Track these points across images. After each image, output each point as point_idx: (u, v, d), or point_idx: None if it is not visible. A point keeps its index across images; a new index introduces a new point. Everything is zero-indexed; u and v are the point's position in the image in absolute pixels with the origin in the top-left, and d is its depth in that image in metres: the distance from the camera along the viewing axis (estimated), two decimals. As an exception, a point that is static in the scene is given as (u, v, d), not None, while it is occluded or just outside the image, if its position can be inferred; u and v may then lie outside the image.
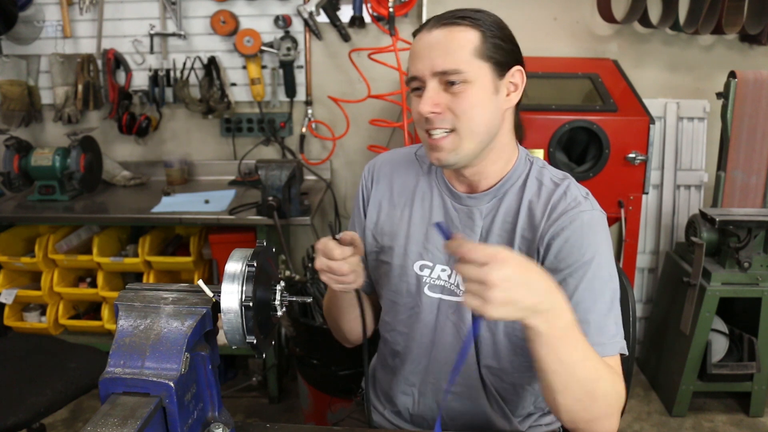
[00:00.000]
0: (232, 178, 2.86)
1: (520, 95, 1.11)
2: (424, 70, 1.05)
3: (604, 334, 1.03)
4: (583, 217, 1.06)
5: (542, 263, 1.07)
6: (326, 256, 1.08)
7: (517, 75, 1.09)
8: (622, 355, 1.05)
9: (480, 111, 1.05)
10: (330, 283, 1.11)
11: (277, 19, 2.71)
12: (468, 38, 1.04)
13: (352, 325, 1.27)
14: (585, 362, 0.93)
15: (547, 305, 0.87)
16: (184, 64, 2.77)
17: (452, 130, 1.06)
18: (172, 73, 2.79)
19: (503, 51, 1.06)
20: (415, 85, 1.08)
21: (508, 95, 1.09)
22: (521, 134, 1.18)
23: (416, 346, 1.21)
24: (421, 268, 1.19)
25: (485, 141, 1.08)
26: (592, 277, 1.03)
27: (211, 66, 2.74)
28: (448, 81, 1.04)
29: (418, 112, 1.07)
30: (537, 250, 1.08)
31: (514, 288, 0.83)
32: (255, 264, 0.89)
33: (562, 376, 0.92)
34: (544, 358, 0.91)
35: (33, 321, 2.65)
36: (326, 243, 1.09)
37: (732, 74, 2.35)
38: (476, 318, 0.89)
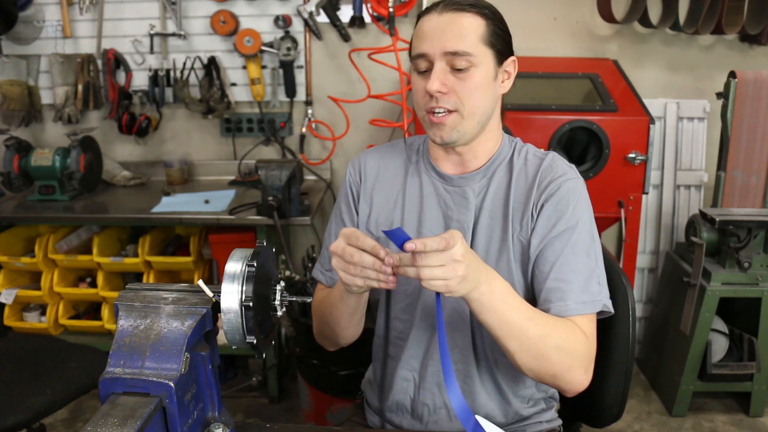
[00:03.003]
0: (232, 178, 2.86)
1: (512, 82, 1.19)
2: (434, 50, 1.10)
3: (587, 293, 1.11)
4: (569, 185, 1.15)
5: (533, 228, 1.15)
6: (361, 247, 0.99)
7: (511, 65, 1.18)
8: (605, 312, 1.14)
9: (482, 94, 1.12)
10: (373, 283, 1.01)
11: (277, 19, 2.71)
12: (476, 24, 1.11)
13: (350, 325, 1.24)
14: (530, 321, 1.04)
15: (484, 274, 1.00)
16: (184, 64, 2.77)
17: (454, 110, 1.12)
18: (172, 73, 2.79)
19: (503, 40, 1.14)
20: (422, 65, 1.13)
21: (502, 82, 1.18)
22: (503, 113, 1.26)
23: (416, 331, 1.23)
24: None
25: (483, 122, 1.16)
26: (576, 241, 1.12)
27: (211, 66, 2.74)
28: (455, 65, 1.10)
29: (425, 90, 1.11)
30: (531, 216, 1.16)
31: (469, 261, 0.95)
32: (255, 264, 0.89)
33: (513, 338, 1.03)
34: (494, 325, 1.02)
35: (33, 321, 2.65)
36: (355, 232, 1.00)
37: (732, 74, 2.35)
38: (438, 298, 1.00)
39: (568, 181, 1.15)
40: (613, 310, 1.15)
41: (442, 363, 0.96)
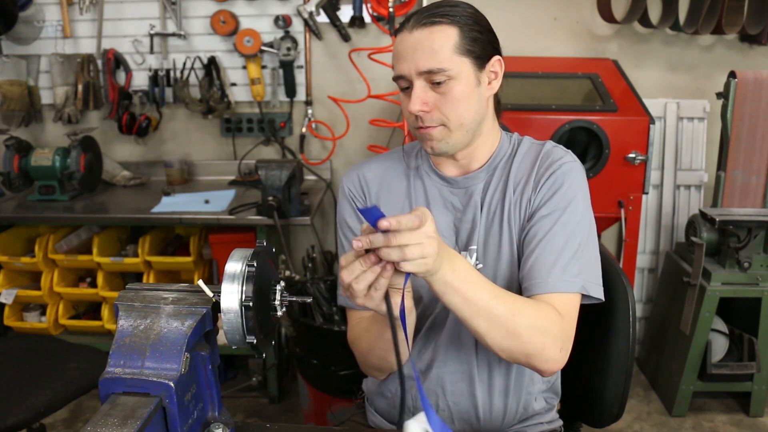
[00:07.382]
0: (232, 178, 2.86)
1: (500, 81, 1.18)
2: (410, 70, 1.11)
3: (567, 273, 1.10)
4: (566, 167, 1.17)
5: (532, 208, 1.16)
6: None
7: (496, 64, 1.16)
8: (592, 298, 1.12)
9: (465, 105, 1.12)
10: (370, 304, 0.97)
11: (277, 19, 2.71)
12: (447, 35, 1.09)
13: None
14: (496, 299, 1.01)
15: (447, 253, 0.97)
16: (184, 64, 2.77)
17: (442, 124, 1.14)
18: (172, 73, 2.79)
19: (481, 44, 1.13)
20: (402, 84, 1.15)
21: (489, 83, 1.17)
22: (500, 111, 1.26)
23: (420, 329, 1.23)
24: None
25: (473, 129, 1.17)
26: (565, 222, 1.13)
27: (211, 66, 2.74)
28: (433, 80, 1.10)
29: (408, 110, 1.13)
30: (530, 201, 1.17)
31: (438, 238, 0.93)
32: (255, 264, 0.89)
33: (480, 317, 1.00)
34: (459, 306, 1.00)
35: (33, 321, 2.65)
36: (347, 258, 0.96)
37: (732, 74, 2.34)
38: (407, 277, 0.95)
39: (565, 164, 1.17)
40: (602, 298, 1.13)
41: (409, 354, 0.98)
